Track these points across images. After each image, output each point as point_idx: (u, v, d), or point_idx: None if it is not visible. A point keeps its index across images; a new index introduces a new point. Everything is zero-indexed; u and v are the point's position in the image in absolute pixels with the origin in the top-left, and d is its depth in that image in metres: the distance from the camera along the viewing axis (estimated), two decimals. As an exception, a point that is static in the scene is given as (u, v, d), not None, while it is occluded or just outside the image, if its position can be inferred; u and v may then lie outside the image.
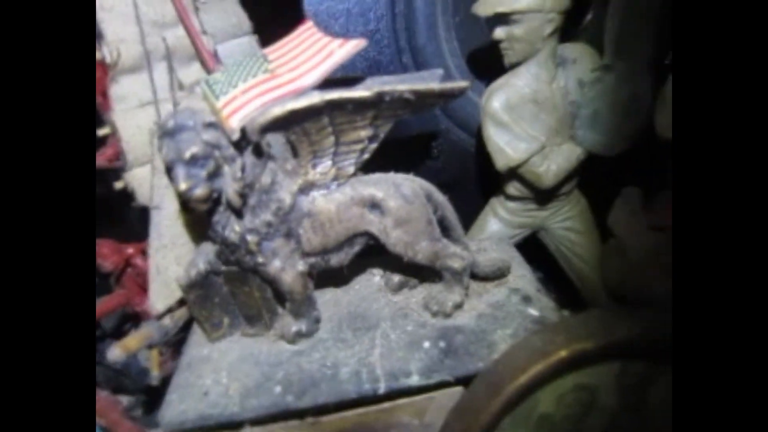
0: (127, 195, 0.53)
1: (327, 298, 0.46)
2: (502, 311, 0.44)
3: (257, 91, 0.32)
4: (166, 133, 0.32)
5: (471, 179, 0.59)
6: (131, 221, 0.62)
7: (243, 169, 0.33)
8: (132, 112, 0.47)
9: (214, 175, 0.33)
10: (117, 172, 0.53)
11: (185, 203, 0.33)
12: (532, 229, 0.57)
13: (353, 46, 0.33)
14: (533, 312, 0.43)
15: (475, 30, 0.54)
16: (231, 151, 0.33)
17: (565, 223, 0.56)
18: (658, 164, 0.57)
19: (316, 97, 0.31)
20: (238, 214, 0.35)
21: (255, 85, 0.32)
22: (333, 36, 0.34)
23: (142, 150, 0.48)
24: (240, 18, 0.58)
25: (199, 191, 0.32)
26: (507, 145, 0.47)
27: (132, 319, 0.69)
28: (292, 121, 0.32)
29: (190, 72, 0.54)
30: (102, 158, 0.55)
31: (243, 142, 0.33)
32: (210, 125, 0.32)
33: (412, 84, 0.33)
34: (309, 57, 0.33)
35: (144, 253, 0.62)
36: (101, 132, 0.49)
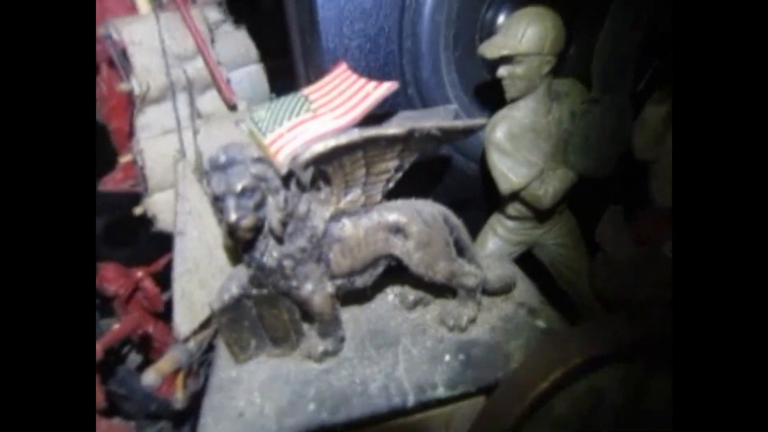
0: (141, 219, 0.54)
1: (346, 318, 0.49)
2: (512, 323, 0.47)
3: (302, 129, 0.34)
4: (218, 167, 0.34)
5: (470, 201, 0.63)
6: (141, 245, 0.63)
7: (286, 200, 0.36)
8: (155, 139, 0.49)
9: (260, 205, 0.35)
10: (132, 197, 0.54)
11: (231, 232, 0.35)
12: (528, 246, 0.62)
13: (387, 88, 0.36)
14: (541, 323, 0.47)
15: (472, 64, 0.59)
16: (276, 183, 0.35)
17: (558, 240, 0.61)
18: (638, 184, 0.64)
19: (356, 135, 0.35)
20: (279, 240, 0.37)
21: (299, 123, 0.35)
22: (366, 77, 0.37)
23: (163, 176, 0.50)
24: (248, 47, 0.61)
25: (247, 221, 0.34)
26: (510, 171, 0.51)
27: (134, 342, 0.69)
28: (333, 156, 0.35)
29: (206, 100, 0.56)
30: (111, 182, 0.56)
31: (289, 174, 0.35)
32: (258, 160, 0.34)
33: (438, 122, 0.37)
34: (348, 98, 0.36)
35: (153, 276, 0.63)
36: (123, 159, 0.51)
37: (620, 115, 0.50)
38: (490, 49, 0.47)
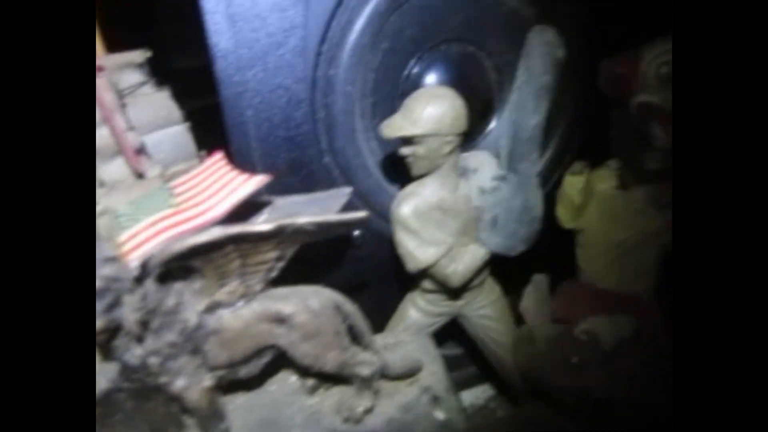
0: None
1: (240, 403, 0.46)
2: (411, 414, 0.45)
3: (160, 226, 0.33)
4: None
5: (393, 267, 0.62)
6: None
7: (144, 298, 0.34)
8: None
9: (113, 306, 0.33)
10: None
11: (83, 334, 0.33)
12: (451, 317, 0.60)
13: (257, 182, 0.35)
14: (440, 415, 0.45)
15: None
16: (129, 283, 0.33)
17: (480, 311, 0.60)
18: (562, 253, 0.63)
19: (217, 233, 0.33)
20: (139, 339, 0.35)
21: (159, 220, 0.33)
22: (240, 169, 0.36)
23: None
24: (170, 109, 0.60)
25: (98, 324, 0.32)
26: (416, 249, 0.50)
27: None
28: (194, 254, 0.34)
29: (113, 168, 0.55)
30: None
31: (144, 274, 0.34)
32: (109, 260, 0.33)
33: (312, 216, 0.36)
34: (213, 192, 0.35)
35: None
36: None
37: (527, 196, 0.49)
38: (388, 129, 0.47)
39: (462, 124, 0.47)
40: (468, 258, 0.51)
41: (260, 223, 0.34)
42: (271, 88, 0.52)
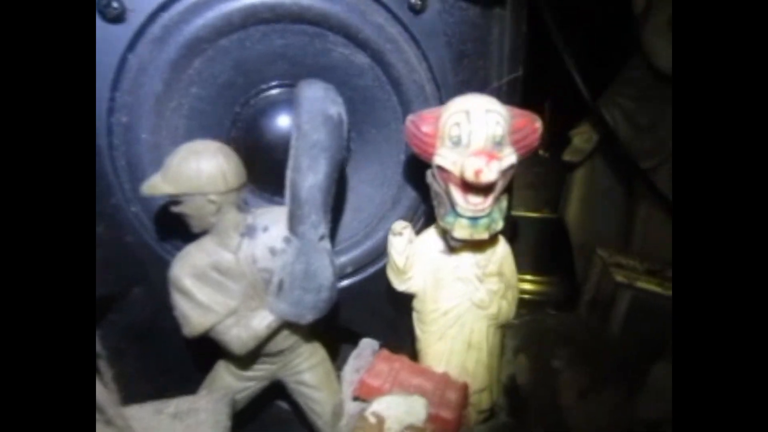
0: None
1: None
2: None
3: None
4: None
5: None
6: None
7: None
8: None
9: None
10: None
11: None
12: (269, 381, 0.56)
13: None
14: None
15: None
16: None
17: (297, 377, 0.55)
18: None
19: None
20: None
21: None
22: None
23: None
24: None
25: None
26: (191, 312, 0.46)
27: None
28: None
29: None
30: None
31: None
32: None
33: None
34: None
35: None
36: None
37: (309, 259, 0.45)
38: (147, 188, 0.44)
39: (226, 182, 0.44)
40: (255, 323, 0.47)
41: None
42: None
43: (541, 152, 0.84)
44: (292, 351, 0.53)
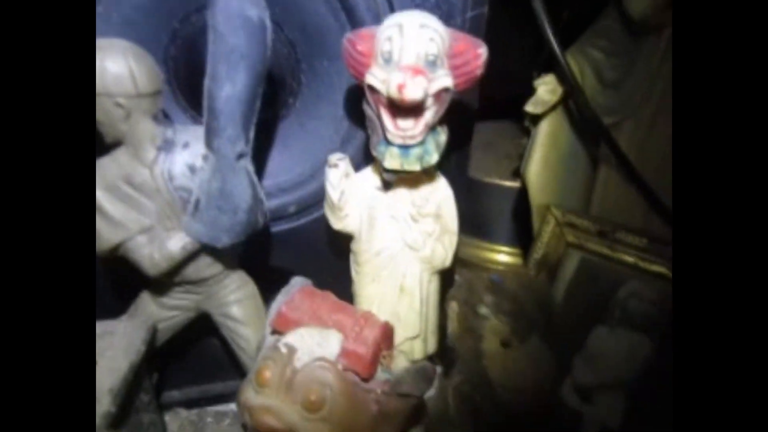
0: None
1: None
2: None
3: None
4: None
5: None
6: None
7: None
8: None
9: None
10: None
11: None
12: (195, 312, 0.54)
13: None
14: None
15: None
16: None
17: (222, 309, 0.53)
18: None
19: None
20: None
21: None
22: None
23: None
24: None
25: None
26: (101, 226, 0.43)
27: None
28: None
29: None
30: None
31: None
32: None
33: None
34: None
35: None
36: None
37: (224, 177, 0.42)
38: None
39: (136, 85, 0.41)
40: (170, 244, 0.45)
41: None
42: None
43: (526, 124, 0.81)
44: (217, 282, 0.51)
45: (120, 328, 0.50)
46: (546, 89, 0.61)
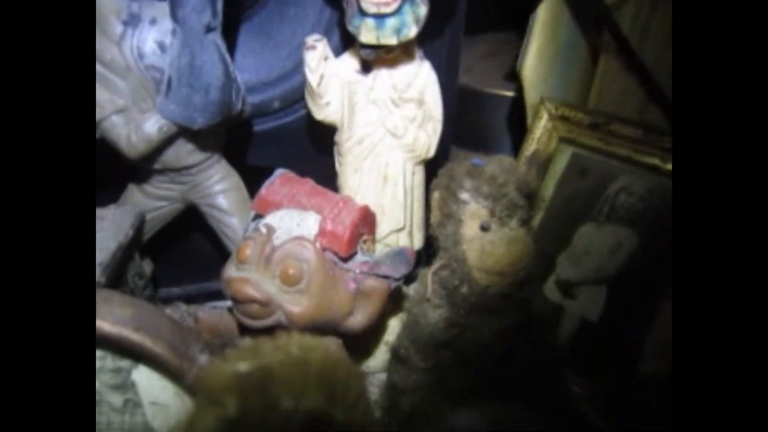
0: None
1: None
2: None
3: None
4: None
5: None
6: None
7: None
8: None
9: None
10: None
11: None
12: (182, 203, 0.55)
13: None
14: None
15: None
16: None
17: (208, 200, 0.53)
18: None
19: None
20: None
21: None
22: None
23: None
24: None
25: None
26: (75, 107, 0.43)
27: None
28: None
29: None
30: None
31: None
32: None
33: None
34: None
35: None
36: None
37: (193, 51, 0.41)
38: None
39: None
40: (146, 126, 0.44)
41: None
42: None
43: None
44: (200, 171, 0.51)
45: (109, 214, 0.51)
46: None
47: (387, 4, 0.39)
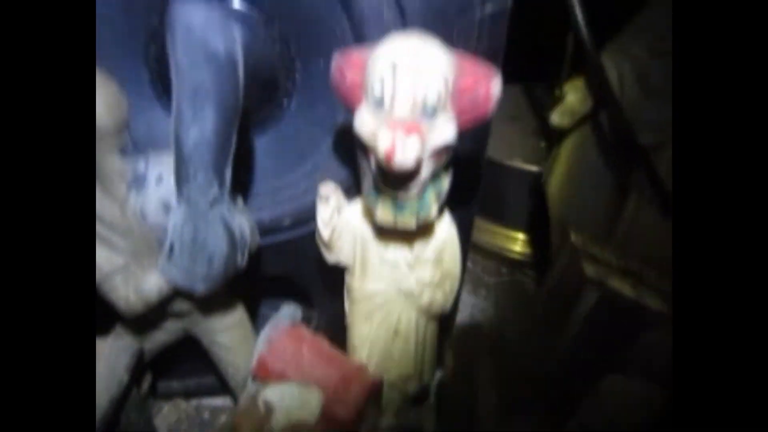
0: None
1: None
2: None
3: None
4: None
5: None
6: None
7: None
8: None
9: None
10: None
11: None
12: (183, 333, 0.52)
13: None
14: None
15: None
16: None
17: (210, 337, 0.51)
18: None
19: None
20: None
21: None
22: None
23: None
24: None
25: None
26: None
27: None
28: None
29: None
30: None
31: None
32: None
33: None
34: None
35: None
36: None
37: (197, 226, 0.38)
38: None
39: (110, 116, 0.36)
40: (146, 287, 0.42)
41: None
42: None
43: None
44: (202, 311, 0.49)
45: (105, 351, 0.49)
46: (576, 97, 0.52)
47: (407, 198, 0.35)
